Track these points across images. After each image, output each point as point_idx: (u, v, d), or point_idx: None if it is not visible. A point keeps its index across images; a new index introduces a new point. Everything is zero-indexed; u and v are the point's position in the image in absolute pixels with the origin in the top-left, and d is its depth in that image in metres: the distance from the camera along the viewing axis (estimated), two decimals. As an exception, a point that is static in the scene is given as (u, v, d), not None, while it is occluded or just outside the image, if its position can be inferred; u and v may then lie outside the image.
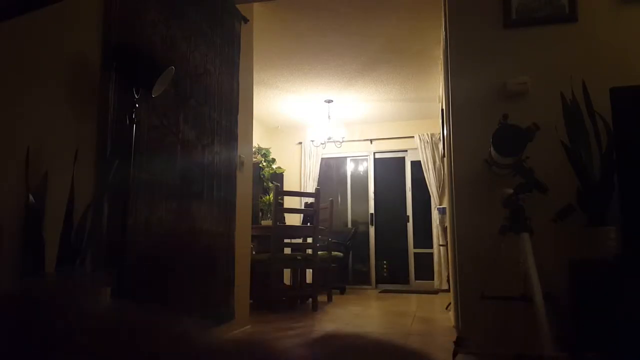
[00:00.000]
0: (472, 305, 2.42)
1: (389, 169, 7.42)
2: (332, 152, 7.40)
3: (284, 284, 5.43)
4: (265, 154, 6.77)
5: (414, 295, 5.83)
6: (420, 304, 4.86)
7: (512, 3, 2.65)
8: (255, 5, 3.75)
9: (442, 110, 3.89)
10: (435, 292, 6.28)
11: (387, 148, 7.36)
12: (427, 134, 6.97)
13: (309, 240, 5.00)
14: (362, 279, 7.17)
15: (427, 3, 3.79)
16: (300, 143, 7.59)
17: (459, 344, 2.25)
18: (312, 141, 6.68)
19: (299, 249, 5.10)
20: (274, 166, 6.92)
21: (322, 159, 7.54)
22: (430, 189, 6.85)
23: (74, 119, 1.79)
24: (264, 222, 4.97)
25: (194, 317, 2.54)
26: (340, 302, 5.04)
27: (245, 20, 3.42)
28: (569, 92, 2.41)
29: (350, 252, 6.88)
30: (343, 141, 6.64)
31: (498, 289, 2.28)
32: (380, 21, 4.14)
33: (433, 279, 6.76)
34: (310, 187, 7.29)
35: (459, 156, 2.63)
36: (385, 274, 7.19)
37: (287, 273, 5.88)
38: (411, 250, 7.07)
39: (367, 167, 7.49)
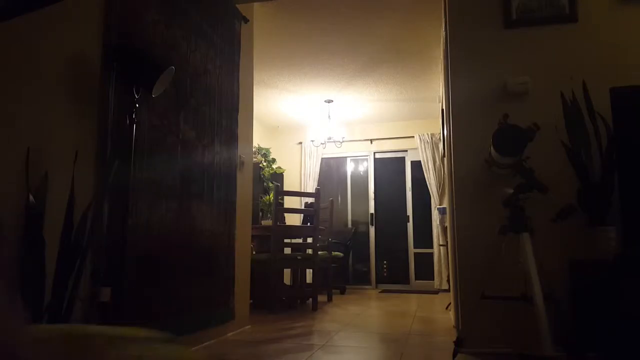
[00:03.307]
0: (472, 305, 2.42)
1: (389, 169, 7.42)
2: (332, 152, 7.40)
3: (284, 284, 5.43)
4: (265, 154, 6.77)
5: (414, 295, 5.82)
6: (420, 304, 4.86)
7: (512, 3, 2.65)
8: (255, 5, 3.75)
9: (442, 110, 3.89)
10: (435, 292, 6.28)
11: (387, 148, 7.36)
12: (427, 134, 6.97)
13: (309, 240, 5.00)
14: (362, 279, 7.17)
15: (427, 3, 3.79)
16: (301, 143, 7.59)
17: (459, 344, 2.25)
18: (312, 141, 6.68)
19: (299, 249, 5.10)
20: (274, 166, 6.92)
21: (322, 159, 7.53)
22: (430, 189, 6.84)
23: (74, 119, 1.79)
24: (264, 222, 4.97)
25: (194, 317, 2.54)
26: (340, 302, 5.04)
27: (246, 20, 3.42)
28: (569, 92, 2.41)
29: (350, 252, 6.88)
30: (343, 141, 6.64)
31: (498, 289, 2.28)
32: (380, 21, 4.14)
33: (433, 279, 6.76)
34: (311, 187, 7.29)
35: (459, 156, 2.63)
36: (385, 274, 7.19)
37: (287, 273, 5.88)
38: (411, 250, 7.07)
39: (367, 167, 7.49)
